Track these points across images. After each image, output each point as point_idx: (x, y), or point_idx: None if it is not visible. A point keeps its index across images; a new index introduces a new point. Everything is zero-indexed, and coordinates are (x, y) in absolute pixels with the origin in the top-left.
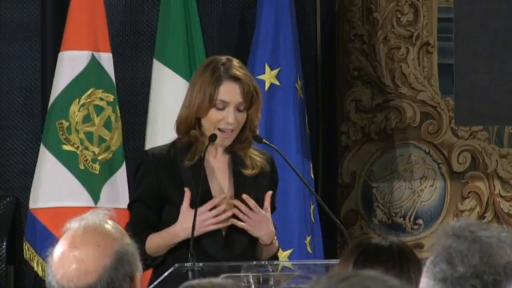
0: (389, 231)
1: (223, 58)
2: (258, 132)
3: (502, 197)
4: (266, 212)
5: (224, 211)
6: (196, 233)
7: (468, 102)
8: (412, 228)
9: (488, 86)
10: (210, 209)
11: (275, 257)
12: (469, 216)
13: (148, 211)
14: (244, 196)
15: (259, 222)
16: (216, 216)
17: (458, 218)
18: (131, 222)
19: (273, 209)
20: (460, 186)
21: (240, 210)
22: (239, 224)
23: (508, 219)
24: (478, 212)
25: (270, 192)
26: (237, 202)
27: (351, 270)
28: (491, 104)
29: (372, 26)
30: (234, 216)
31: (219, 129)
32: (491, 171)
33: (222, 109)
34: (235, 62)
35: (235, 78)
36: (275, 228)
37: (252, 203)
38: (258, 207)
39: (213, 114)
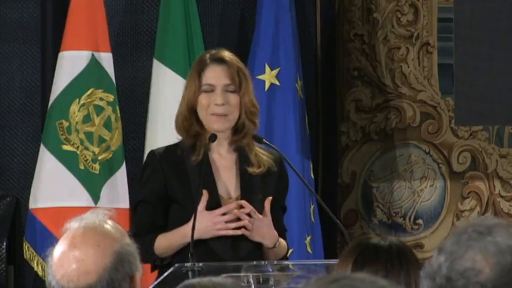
0: (389, 231)
1: (213, 50)
2: (257, 122)
3: (502, 197)
4: (265, 216)
5: (236, 220)
6: (206, 236)
7: (468, 102)
8: (412, 228)
9: (488, 86)
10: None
11: (284, 258)
12: (468, 216)
13: (154, 212)
14: (243, 202)
15: (258, 227)
16: (228, 222)
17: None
18: (137, 223)
19: (284, 209)
20: (460, 186)
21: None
22: (239, 231)
23: (508, 219)
24: (478, 212)
25: (269, 198)
26: (237, 212)
27: (350, 271)
28: (491, 104)
29: (372, 26)
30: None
31: (212, 114)
32: (491, 171)
33: (211, 92)
34: (225, 50)
35: (220, 61)
36: (285, 230)
37: (250, 208)
38: (257, 213)
39: (202, 99)
